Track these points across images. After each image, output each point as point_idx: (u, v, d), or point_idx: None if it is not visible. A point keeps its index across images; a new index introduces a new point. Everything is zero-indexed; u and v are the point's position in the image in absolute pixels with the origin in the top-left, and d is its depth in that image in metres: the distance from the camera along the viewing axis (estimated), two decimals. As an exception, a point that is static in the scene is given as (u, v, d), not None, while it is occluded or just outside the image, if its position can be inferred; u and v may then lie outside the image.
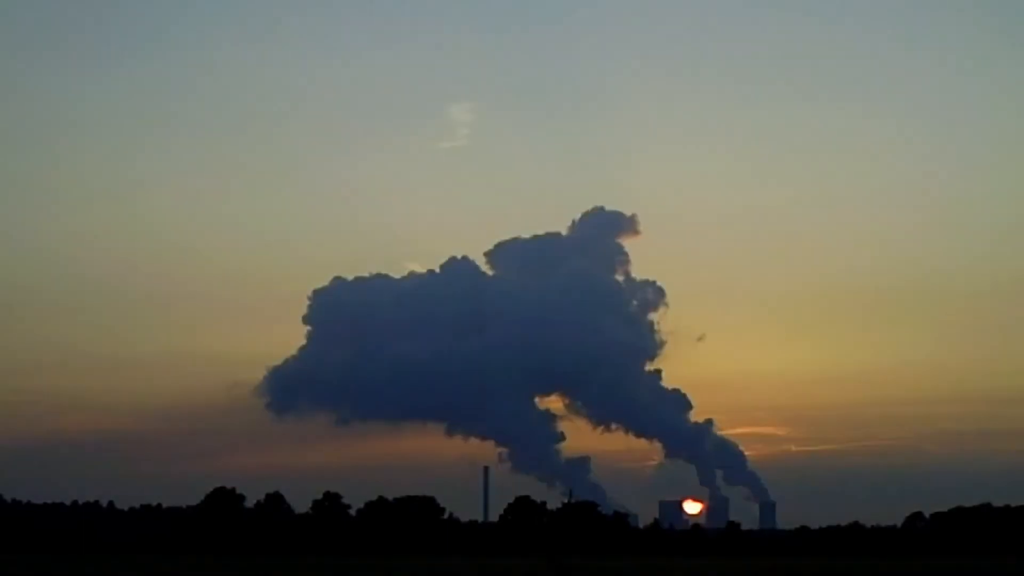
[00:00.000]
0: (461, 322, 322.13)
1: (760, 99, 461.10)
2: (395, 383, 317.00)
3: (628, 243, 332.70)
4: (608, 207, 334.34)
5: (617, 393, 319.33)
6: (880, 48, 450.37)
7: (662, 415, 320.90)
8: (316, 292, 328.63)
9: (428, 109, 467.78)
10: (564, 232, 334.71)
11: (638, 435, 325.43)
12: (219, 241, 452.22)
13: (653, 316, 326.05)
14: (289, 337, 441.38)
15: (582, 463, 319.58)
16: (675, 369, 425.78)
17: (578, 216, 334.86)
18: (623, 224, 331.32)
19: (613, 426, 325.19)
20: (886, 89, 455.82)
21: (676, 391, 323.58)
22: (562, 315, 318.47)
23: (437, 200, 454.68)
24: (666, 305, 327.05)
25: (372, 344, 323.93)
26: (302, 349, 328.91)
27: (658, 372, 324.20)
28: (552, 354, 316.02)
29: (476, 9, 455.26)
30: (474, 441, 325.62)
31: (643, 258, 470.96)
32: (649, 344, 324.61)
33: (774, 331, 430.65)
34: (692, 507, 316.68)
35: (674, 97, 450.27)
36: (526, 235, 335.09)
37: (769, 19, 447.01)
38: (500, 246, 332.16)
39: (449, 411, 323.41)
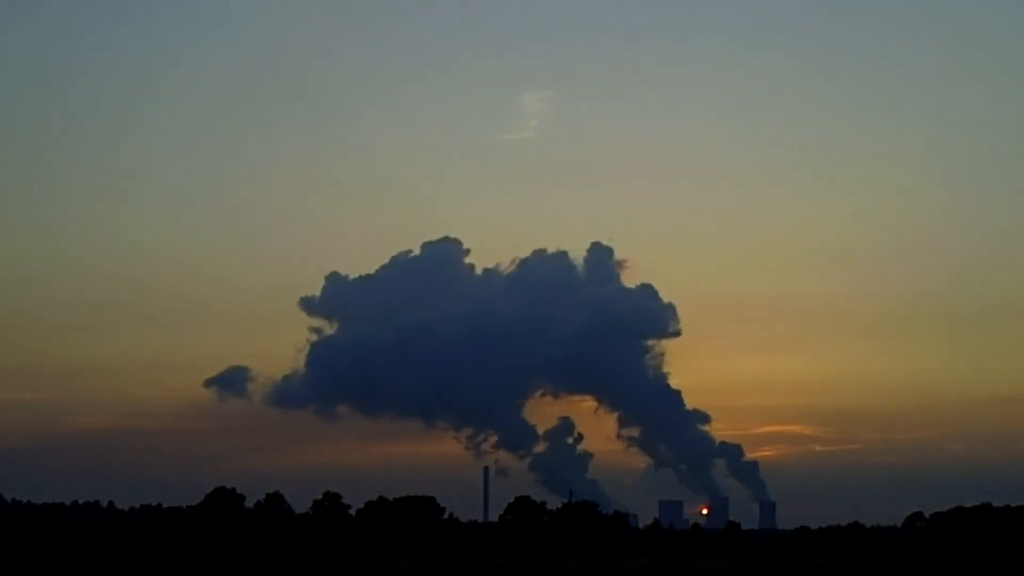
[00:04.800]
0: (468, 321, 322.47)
1: (776, 121, 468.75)
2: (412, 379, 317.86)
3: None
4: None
5: (626, 394, 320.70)
6: (860, 69, 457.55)
7: (669, 417, 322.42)
8: (328, 278, 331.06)
9: (498, 96, 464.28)
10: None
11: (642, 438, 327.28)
12: (231, 235, 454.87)
13: (673, 322, 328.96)
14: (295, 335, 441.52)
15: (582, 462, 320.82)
16: (695, 373, 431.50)
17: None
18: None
19: (620, 426, 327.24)
20: (884, 106, 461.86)
21: (678, 392, 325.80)
22: (575, 320, 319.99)
23: (496, 194, 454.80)
24: (678, 318, 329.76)
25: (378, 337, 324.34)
26: (304, 346, 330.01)
27: (668, 375, 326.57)
28: (564, 356, 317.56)
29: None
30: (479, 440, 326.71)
31: (670, 275, 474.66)
32: (664, 352, 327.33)
33: (801, 341, 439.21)
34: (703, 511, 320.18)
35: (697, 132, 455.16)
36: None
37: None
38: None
39: (452, 409, 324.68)
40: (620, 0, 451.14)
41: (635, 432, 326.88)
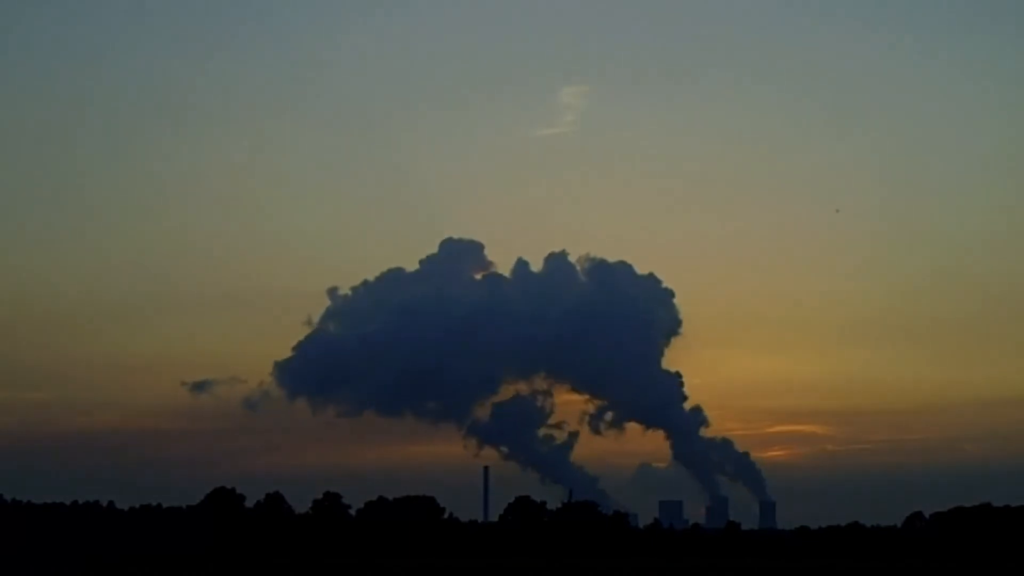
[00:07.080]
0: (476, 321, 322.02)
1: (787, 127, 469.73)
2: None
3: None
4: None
5: (630, 394, 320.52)
6: (874, 84, 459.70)
7: (673, 414, 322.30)
8: (330, 290, 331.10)
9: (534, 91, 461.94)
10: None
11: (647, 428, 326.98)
12: (233, 234, 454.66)
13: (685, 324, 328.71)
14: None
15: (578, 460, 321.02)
16: (705, 373, 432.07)
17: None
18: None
19: (624, 425, 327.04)
20: (894, 110, 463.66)
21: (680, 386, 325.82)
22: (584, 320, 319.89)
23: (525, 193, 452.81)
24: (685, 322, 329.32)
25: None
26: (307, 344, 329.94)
27: (678, 374, 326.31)
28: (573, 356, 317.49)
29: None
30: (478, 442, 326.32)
31: (687, 274, 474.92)
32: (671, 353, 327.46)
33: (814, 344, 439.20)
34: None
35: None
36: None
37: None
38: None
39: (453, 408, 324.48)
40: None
41: (636, 431, 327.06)
